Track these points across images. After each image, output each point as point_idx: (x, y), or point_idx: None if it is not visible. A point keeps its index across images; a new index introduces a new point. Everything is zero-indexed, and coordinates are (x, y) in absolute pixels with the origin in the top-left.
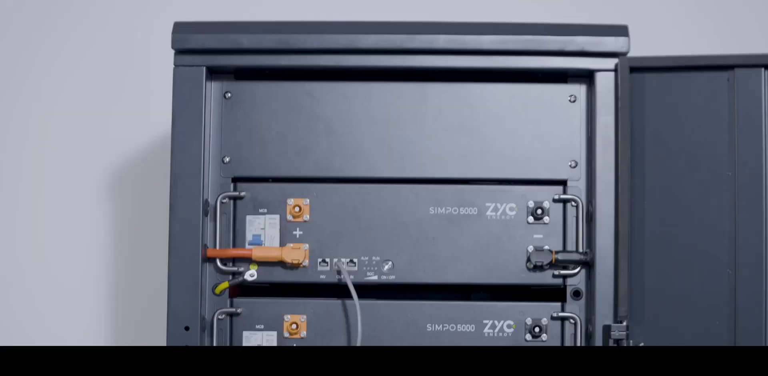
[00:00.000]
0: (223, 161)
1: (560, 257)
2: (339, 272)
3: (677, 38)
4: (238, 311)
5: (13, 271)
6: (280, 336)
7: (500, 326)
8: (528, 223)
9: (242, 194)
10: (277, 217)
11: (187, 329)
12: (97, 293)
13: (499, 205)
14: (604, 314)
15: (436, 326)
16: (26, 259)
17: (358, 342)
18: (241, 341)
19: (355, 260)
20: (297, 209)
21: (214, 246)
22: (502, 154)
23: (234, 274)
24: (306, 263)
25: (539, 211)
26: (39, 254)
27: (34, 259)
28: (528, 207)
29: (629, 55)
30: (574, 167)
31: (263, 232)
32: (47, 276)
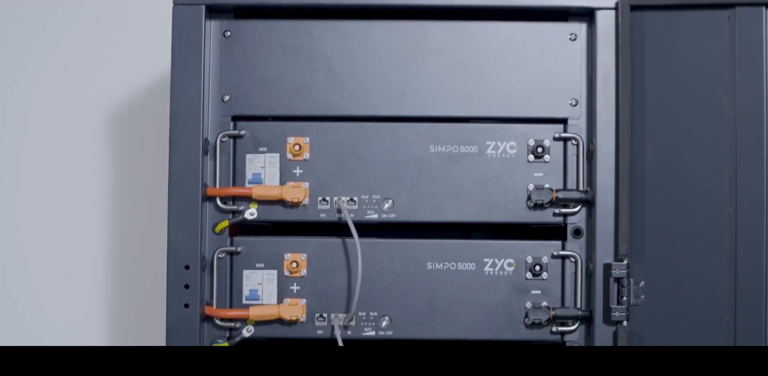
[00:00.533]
0: (222, 100)
1: (561, 195)
2: (339, 211)
3: None
4: (239, 249)
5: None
6: (280, 275)
7: (501, 264)
8: (528, 161)
9: (242, 132)
10: (276, 155)
11: (187, 267)
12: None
13: (499, 143)
14: (604, 253)
15: (437, 264)
16: (25, 194)
17: (358, 281)
18: (241, 280)
19: (355, 199)
20: (297, 147)
21: (214, 185)
22: (502, 93)
23: (234, 213)
24: (306, 201)
25: (540, 149)
26: (38, 189)
27: (33, 197)
28: (528, 145)
29: None
30: (575, 106)
31: (263, 170)
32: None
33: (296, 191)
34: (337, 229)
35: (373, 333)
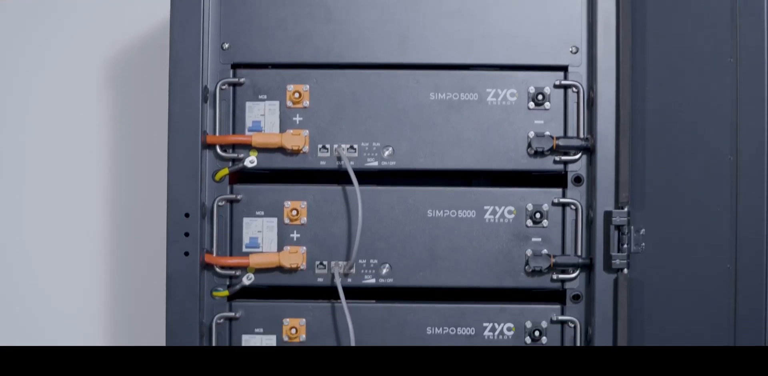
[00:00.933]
0: (222, 48)
1: (561, 142)
2: (339, 159)
3: None
4: (238, 197)
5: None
6: (280, 223)
7: (501, 211)
8: (529, 109)
9: (242, 80)
10: (276, 103)
11: (187, 216)
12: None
13: (499, 90)
14: (605, 200)
15: (437, 211)
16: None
17: (359, 228)
18: (241, 228)
19: (356, 146)
20: (297, 95)
21: (214, 133)
22: (502, 40)
23: (234, 160)
24: (306, 149)
25: (540, 97)
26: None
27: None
28: (529, 93)
29: None
30: (575, 53)
31: (263, 118)
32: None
33: (296, 139)
34: (337, 177)
35: (373, 281)
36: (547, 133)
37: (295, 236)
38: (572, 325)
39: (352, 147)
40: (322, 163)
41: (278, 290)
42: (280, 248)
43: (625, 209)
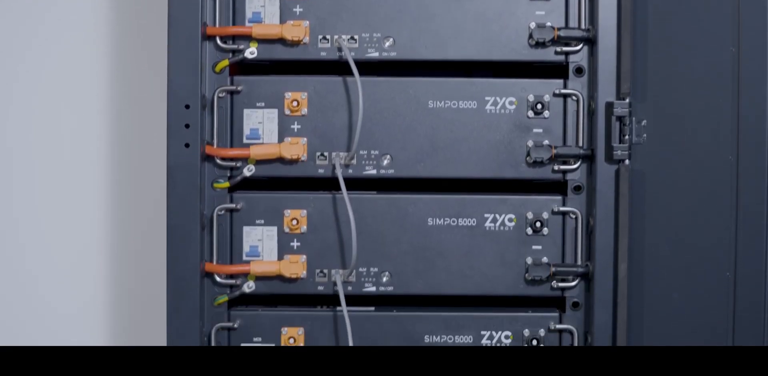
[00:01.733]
0: None
1: (562, 33)
2: (340, 49)
3: None
4: (239, 88)
5: None
6: (281, 114)
7: (502, 102)
8: None
9: None
10: None
11: (187, 107)
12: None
13: None
14: (606, 92)
15: (438, 102)
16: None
17: (359, 119)
18: (242, 119)
19: (356, 37)
20: None
21: (214, 24)
22: None
23: (234, 52)
24: (306, 40)
25: None
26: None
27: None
28: None
29: None
30: None
31: (263, 10)
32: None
33: (296, 30)
34: (338, 67)
35: (374, 172)
36: (549, 23)
37: (295, 127)
38: (573, 216)
39: (352, 38)
40: (323, 54)
41: (279, 181)
42: (281, 140)
43: (627, 100)
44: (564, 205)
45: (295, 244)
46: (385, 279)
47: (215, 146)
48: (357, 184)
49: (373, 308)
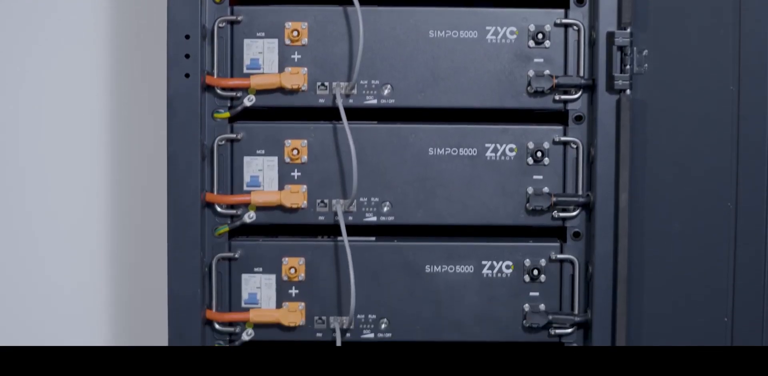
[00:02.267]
0: None
1: None
2: None
3: None
4: (239, 18)
5: None
6: (280, 43)
7: (503, 32)
8: None
9: None
10: None
11: (187, 37)
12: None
13: None
14: (607, 21)
15: (439, 32)
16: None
17: (360, 48)
18: (242, 49)
19: None
20: None
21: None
22: None
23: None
24: None
25: None
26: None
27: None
28: None
29: None
30: None
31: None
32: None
33: None
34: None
35: (375, 101)
36: None
37: (296, 57)
38: (574, 146)
39: None
40: None
41: (280, 111)
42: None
43: (628, 30)
44: (565, 135)
45: (295, 174)
46: (385, 209)
47: (215, 76)
48: (357, 114)
49: (374, 238)
